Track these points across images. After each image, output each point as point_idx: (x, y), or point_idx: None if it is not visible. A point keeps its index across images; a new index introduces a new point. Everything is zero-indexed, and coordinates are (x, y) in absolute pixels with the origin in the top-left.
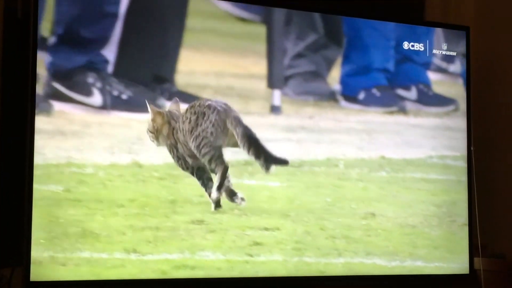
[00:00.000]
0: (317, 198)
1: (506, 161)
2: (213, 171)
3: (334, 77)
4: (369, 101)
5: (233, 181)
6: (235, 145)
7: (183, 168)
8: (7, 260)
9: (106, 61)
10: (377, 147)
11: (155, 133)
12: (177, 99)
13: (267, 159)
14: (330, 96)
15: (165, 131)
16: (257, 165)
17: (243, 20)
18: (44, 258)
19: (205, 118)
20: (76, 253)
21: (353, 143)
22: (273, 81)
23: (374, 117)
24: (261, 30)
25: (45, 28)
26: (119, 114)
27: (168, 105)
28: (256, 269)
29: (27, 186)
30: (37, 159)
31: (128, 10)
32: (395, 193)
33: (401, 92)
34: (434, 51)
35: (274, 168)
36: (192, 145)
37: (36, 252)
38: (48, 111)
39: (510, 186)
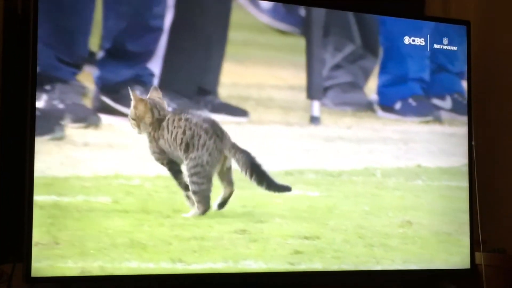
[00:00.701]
0: (355, 207)
1: (507, 157)
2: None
3: (371, 88)
4: (405, 111)
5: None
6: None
7: (157, 160)
8: (8, 256)
9: (151, 74)
10: (413, 156)
11: (137, 120)
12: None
13: (270, 185)
14: (368, 106)
15: (148, 119)
16: (297, 175)
17: (283, 32)
18: (94, 268)
19: (201, 142)
20: (124, 264)
21: (390, 152)
22: (312, 92)
23: (410, 126)
24: (301, 42)
25: (93, 43)
26: None
27: (212, 116)
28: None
29: (27, 183)
30: (86, 172)
31: (172, 24)
32: (430, 201)
33: (436, 101)
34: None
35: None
36: (184, 163)
37: (86, 263)
38: (96, 124)
39: (511, 181)
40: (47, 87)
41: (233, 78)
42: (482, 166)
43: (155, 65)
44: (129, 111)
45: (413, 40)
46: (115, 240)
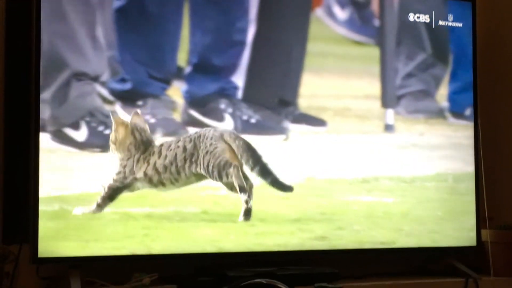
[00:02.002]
0: (428, 212)
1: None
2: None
3: (442, 95)
4: None
5: (352, 198)
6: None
7: (121, 182)
8: (15, 237)
9: (236, 87)
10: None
11: (116, 144)
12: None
13: (274, 182)
14: (439, 113)
15: (128, 141)
16: (373, 182)
17: (358, 43)
18: None
19: (201, 139)
20: None
21: (461, 158)
22: (386, 101)
23: None
24: (375, 52)
25: (181, 58)
26: (249, 137)
27: (292, 126)
28: None
29: (33, 163)
30: None
31: (254, 38)
32: None
33: None
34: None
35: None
36: (204, 166)
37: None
38: None
39: None
40: (140, 103)
41: (312, 89)
42: (488, 143)
43: (239, 78)
44: (221, 125)
45: (418, 17)
46: (204, 248)
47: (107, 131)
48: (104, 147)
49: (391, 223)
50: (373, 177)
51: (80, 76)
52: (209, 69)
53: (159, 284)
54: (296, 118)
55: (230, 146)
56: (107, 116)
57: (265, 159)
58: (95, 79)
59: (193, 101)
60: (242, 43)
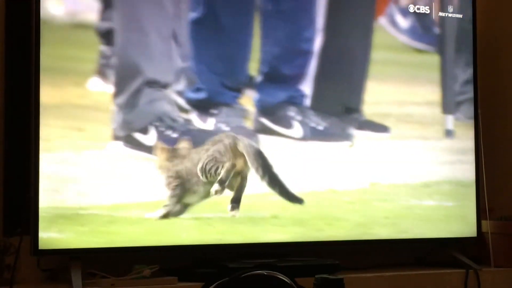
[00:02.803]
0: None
1: None
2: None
3: None
4: None
5: (413, 202)
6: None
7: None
8: (15, 229)
9: (304, 95)
10: None
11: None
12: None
13: (282, 192)
14: None
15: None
16: (434, 186)
17: (419, 51)
18: None
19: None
20: None
21: None
22: (446, 107)
23: None
24: (436, 59)
25: (253, 67)
26: (317, 144)
27: (357, 132)
28: None
29: (33, 156)
30: (247, 190)
31: (321, 47)
32: None
33: None
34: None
35: None
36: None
37: None
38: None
39: None
40: (215, 111)
41: (375, 96)
42: (488, 134)
43: (307, 86)
44: (290, 132)
45: (418, 8)
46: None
47: (174, 135)
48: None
49: (450, 226)
50: (434, 181)
51: (151, 83)
52: (278, 78)
53: (159, 276)
54: (360, 124)
55: (238, 151)
56: (174, 121)
57: (276, 169)
58: (165, 86)
59: (263, 109)
60: (309, 52)
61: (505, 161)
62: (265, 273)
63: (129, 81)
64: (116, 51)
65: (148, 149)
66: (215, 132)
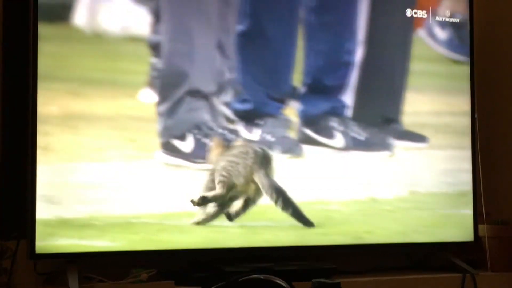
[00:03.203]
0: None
1: (510, 129)
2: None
3: None
4: None
5: (452, 211)
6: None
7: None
8: (12, 233)
9: (345, 106)
10: None
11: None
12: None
13: (294, 213)
14: None
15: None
16: (469, 196)
17: (456, 62)
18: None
19: (244, 156)
20: None
21: None
22: None
23: None
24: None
25: (296, 79)
26: (357, 153)
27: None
28: None
29: (30, 160)
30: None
31: (362, 58)
32: None
33: None
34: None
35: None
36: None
37: None
38: (299, 154)
39: None
40: (260, 122)
41: (414, 107)
42: (485, 139)
43: (348, 97)
44: (332, 142)
45: (415, 13)
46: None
47: (211, 143)
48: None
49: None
50: (469, 190)
51: (193, 92)
52: (321, 89)
53: (156, 280)
54: (400, 135)
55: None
56: (212, 129)
57: (290, 193)
58: (206, 96)
59: (306, 119)
60: (351, 64)
61: (502, 166)
62: (262, 277)
63: (173, 90)
64: (163, 62)
65: (185, 156)
66: (261, 142)
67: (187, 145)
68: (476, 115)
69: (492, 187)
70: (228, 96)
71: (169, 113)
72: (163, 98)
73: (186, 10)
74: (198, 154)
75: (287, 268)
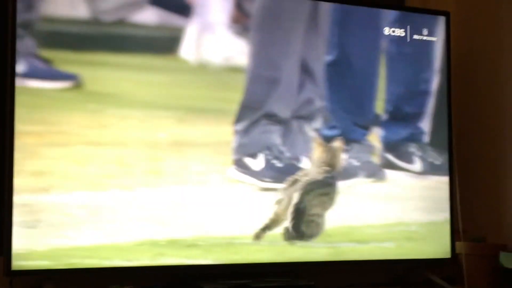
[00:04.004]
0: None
1: (486, 147)
2: None
3: None
4: None
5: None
6: None
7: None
8: None
9: (423, 133)
10: None
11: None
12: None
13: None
14: None
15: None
16: None
17: None
18: None
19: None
20: None
21: None
22: None
23: None
24: None
25: (379, 106)
26: (434, 178)
27: None
28: None
29: (7, 172)
30: (374, 220)
31: (439, 87)
32: None
33: None
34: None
35: None
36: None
37: None
38: (382, 178)
39: (490, 172)
40: (347, 148)
41: None
42: (462, 157)
43: (425, 124)
44: (411, 167)
45: (393, 31)
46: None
47: (279, 165)
48: (276, 178)
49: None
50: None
51: (270, 116)
52: (401, 116)
53: None
54: None
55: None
56: (282, 153)
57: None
58: (280, 121)
59: (388, 145)
60: (428, 92)
61: (479, 183)
62: None
63: (253, 111)
64: (247, 85)
65: (254, 174)
66: (347, 167)
67: (257, 163)
68: (453, 131)
69: (469, 205)
70: (318, 123)
71: (245, 132)
72: (241, 117)
73: (274, 39)
74: (267, 173)
75: (265, 285)
